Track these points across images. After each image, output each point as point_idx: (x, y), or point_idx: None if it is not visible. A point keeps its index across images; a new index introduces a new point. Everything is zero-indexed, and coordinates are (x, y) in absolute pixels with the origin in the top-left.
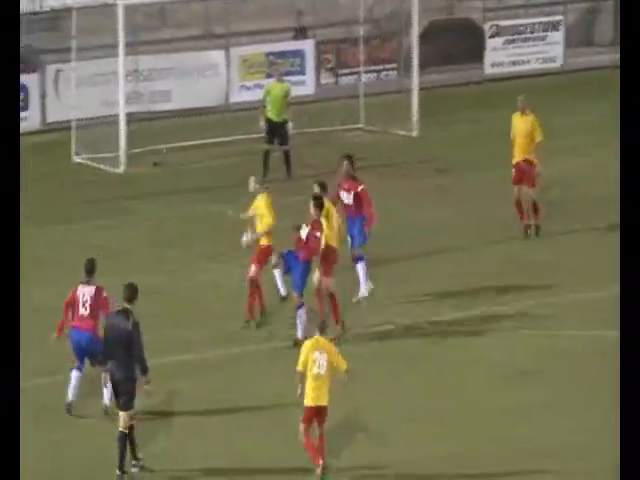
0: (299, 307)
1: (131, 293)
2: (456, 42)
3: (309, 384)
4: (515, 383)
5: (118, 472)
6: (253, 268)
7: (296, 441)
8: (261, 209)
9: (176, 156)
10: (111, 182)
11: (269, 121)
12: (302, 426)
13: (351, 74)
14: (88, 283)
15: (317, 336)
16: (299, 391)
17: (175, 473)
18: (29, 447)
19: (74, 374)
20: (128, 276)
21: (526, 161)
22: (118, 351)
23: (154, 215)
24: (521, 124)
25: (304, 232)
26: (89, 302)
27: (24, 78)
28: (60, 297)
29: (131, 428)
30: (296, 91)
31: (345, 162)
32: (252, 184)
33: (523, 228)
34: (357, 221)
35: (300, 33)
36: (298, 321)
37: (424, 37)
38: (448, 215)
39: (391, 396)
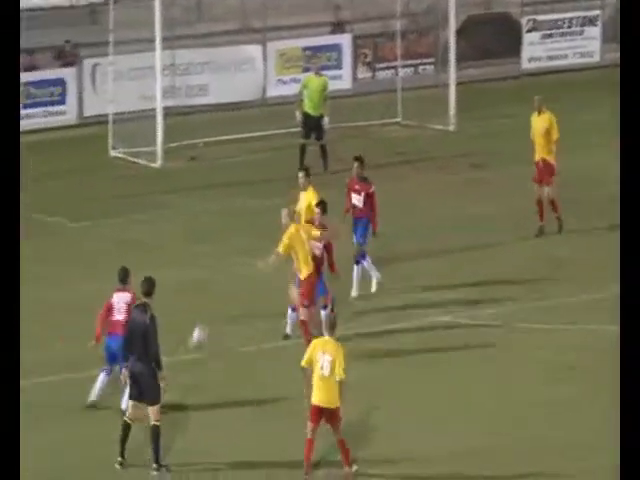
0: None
1: (149, 287)
2: (493, 37)
3: (315, 383)
4: (551, 378)
5: (154, 467)
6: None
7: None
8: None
9: (212, 150)
10: (147, 176)
11: (306, 115)
12: (309, 425)
13: (388, 68)
14: (123, 290)
15: (327, 337)
16: (305, 390)
17: (197, 468)
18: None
19: (102, 377)
20: (162, 270)
21: (544, 160)
22: (137, 345)
23: (190, 209)
24: (539, 123)
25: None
26: (124, 308)
27: (61, 72)
28: (97, 292)
29: (156, 428)
30: (333, 85)
31: (355, 164)
32: (285, 216)
33: (538, 228)
34: (361, 222)
35: (337, 27)
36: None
37: (461, 32)
38: (483, 210)
39: (425, 392)
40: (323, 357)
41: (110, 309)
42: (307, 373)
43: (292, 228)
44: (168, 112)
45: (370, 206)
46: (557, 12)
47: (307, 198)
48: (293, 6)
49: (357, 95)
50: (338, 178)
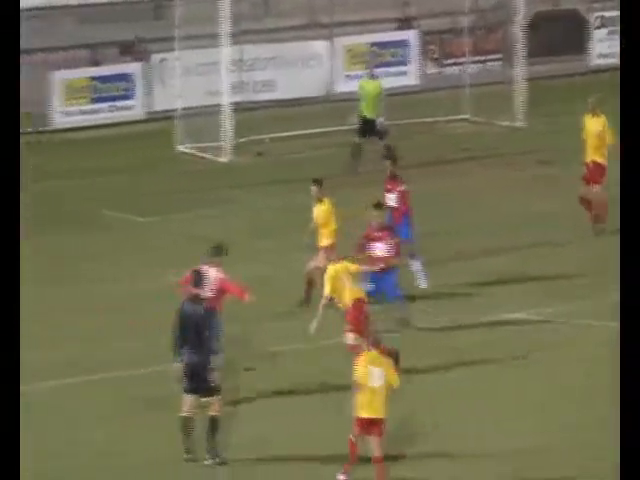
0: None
1: (199, 278)
2: (561, 33)
3: (364, 396)
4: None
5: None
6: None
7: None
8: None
9: (278, 146)
10: (214, 171)
11: (362, 118)
12: (353, 437)
13: (455, 64)
14: (212, 264)
15: (372, 350)
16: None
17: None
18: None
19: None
20: (227, 266)
21: (595, 162)
22: (191, 337)
23: (254, 205)
24: (592, 125)
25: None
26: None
27: (129, 67)
28: (163, 285)
29: (214, 419)
30: (400, 82)
31: (387, 163)
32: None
33: (592, 228)
34: (403, 224)
35: (404, 23)
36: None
37: (529, 28)
38: (550, 207)
39: (489, 390)
40: (375, 370)
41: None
42: (357, 387)
43: (331, 271)
44: (235, 107)
45: (404, 204)
46: None
47: (321, 209)
48: (360, 2)
49: (424, 91)
50: (405, 175)
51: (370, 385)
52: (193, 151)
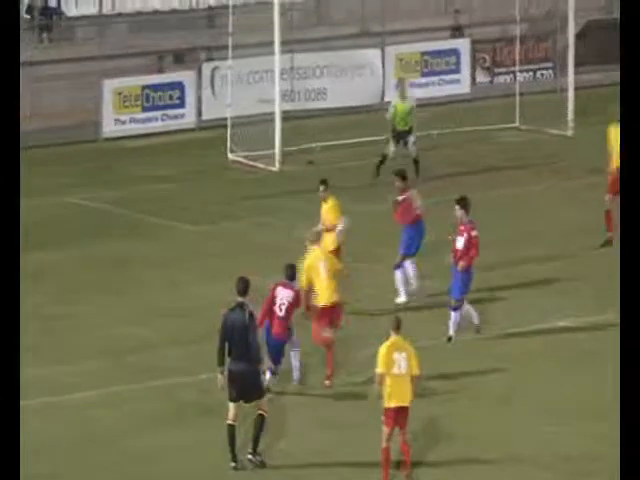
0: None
1: (244, 286)
2: (613, 42)
3: (391, 385)
4: None
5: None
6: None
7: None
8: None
9: (329, 155)
10: (266, 180)
11: (395, 130)
12: (386, 430)
13: (507, 73)
14: (287, 286)
15: (394, 337)
16: (377, 392)
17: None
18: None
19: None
20: (279, 275)
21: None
22: (236, 345)
23: (308, 213)
24: (618, 135)
25: (459, 242)
26: (285, 306)
27: (180, 75)
28: (217, 293)
29: (262, 417)
30: (451, 90)
31: (396, 179)
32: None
33: (606, 239)
34: (405, 230)
35: (456, 32)
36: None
37: (580, 36)
38: (600, 215)
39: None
40: (400, 356)
41: (271, 304)
42: (381, 378)
43: (309, 259)
44: (286, 116)
45: (407, 212)
46: None
47: (327, 208)
48: (411, 10)
49: (475, 100)
50: (455, 182)
51: (396, 372)
52: (244, 159)
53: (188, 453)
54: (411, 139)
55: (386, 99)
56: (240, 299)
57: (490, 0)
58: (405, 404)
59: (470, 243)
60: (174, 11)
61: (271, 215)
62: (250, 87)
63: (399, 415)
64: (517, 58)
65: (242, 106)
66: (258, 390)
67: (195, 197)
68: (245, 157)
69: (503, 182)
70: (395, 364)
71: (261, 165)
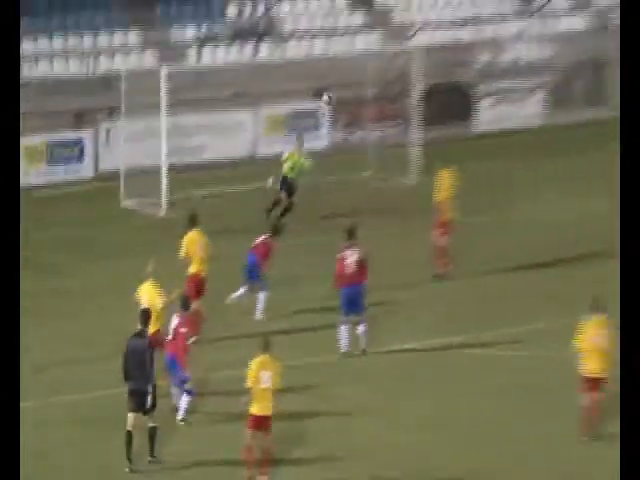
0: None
1: (145, 317)
2: (452, 102)
3: (256, 396)
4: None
5: None
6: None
7: None
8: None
9: (209, 201)
10: (153, 225)
11: (285, 177)
12: (249, 432)
13: (361, 129)
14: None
15: (263, 355)
16: (245, 401)
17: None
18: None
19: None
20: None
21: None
22: (135, 366)
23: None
24: (446, 181)
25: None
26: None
27: (80, 134)
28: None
29: (154, 428)
30: (313, 144)
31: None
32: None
33: (436, 273)
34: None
35: (318, 93)
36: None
37: (425, 98)
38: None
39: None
40: (265, 373)
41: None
42: (248, 390)
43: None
44: (171, 168)
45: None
46: (506, 81)
47: (188, 240)
48: (280, 75)
49: (334, 153)
50: (319, 226)
51: (262, 386)
52: (135, 207)
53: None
54: (295, 186)
55: (257, 153)
56: (140, 328)
57: (347, 65)
58: (268, 413)
59: (360, 265)
60: (75, 77)
61: (153, 255)
62: (140, 143)
63: (261, 422)
64: (370, 117)
65: (133, 160)
66: (150, 404)
67: (91, 239)
68: (136, 204)
69: (354, 224)
70: (260, 380)
71: (149, 211)
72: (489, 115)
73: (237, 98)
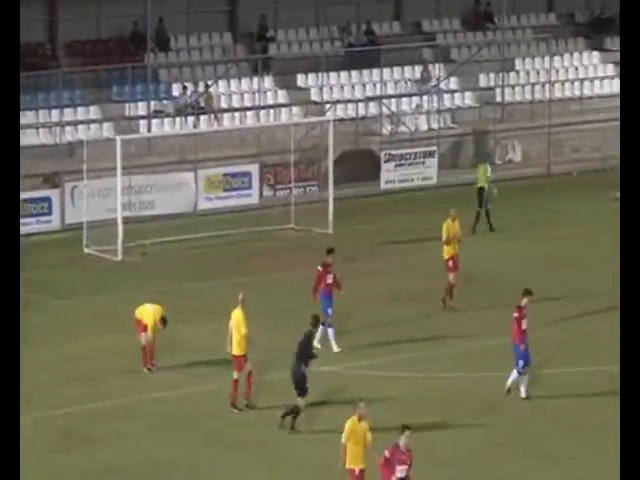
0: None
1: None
2: (360, 166)
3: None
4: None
5: None
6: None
7: None
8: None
9: (158, 248)
10: (111, 267)
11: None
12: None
13: (285, 189)
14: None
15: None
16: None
17: None
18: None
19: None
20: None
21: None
22: None
23: (141, 290)
24: (452, 227)
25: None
26: None
27: (49, 192)
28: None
29: None
30: (245, 201)
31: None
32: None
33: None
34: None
35: (250, 158)
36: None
37: (337, 162)
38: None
39: None
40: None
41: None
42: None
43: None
44: (126, 221)
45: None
46: (405, 148)
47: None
48: (217, 143)
49: (263, 208)
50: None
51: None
52: (96, 252)
53: None
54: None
55: (198, 208)
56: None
57: (273, 135)
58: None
59: (335, 280)
60: (43, 145)
61: (113, 293)
62: (100, 200)
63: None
64: (292, 178)
65: (94, 214)
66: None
67: (59, 280)
68: (96, 250)
69: (281, 267)
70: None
71: (108, 256)
72: (392, 176)
73: (181, 162)
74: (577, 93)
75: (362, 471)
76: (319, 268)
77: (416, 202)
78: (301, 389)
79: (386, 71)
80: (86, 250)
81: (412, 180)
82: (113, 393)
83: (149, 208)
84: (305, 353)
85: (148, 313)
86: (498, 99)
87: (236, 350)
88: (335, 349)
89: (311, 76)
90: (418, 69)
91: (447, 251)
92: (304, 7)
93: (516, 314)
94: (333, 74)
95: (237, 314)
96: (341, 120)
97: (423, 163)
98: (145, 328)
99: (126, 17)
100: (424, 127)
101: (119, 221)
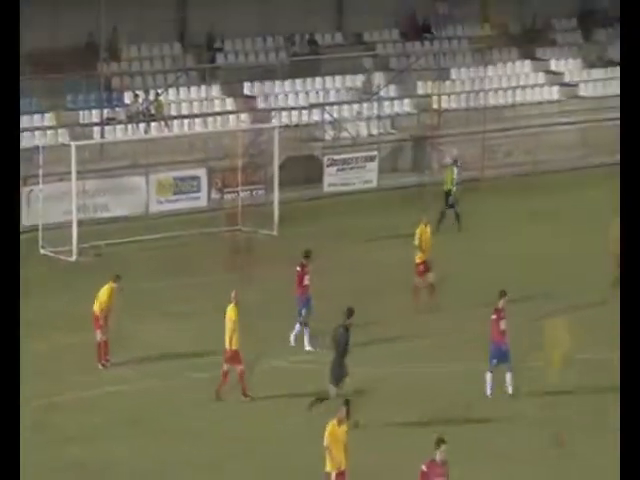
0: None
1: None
2: (304, 170)
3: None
4: None
5: None
6: None
7: None
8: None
9: (111, 249)
10: (66, 267)
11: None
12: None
13: (233, 192)
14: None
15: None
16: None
17: None
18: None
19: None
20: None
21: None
22: None
23: (89, 292)
24: (426, 233)
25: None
26: None
27: None
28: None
29: None
30: (194, 204)
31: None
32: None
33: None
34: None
35: (197, 164)
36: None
37: (282, 167)
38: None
39: None
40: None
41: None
42: None
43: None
44: (81, 223)
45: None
46: (347, 153)
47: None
48: (167, 149)
49: (210, 210)
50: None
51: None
52: (51, 253)
53: None
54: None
55: (149, 210)
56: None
57: (221, 140)
58: None
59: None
60: None
61: (68, 294)
62: (56, 203)
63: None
64: (240, 181)
65: (50, 216)
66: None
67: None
68: (52, 251)
69: (228, 268)
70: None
71: (63, 257)
72: (335, 179)
73: (133, 167)
74: (510, 100)
75: (342, 474)
76: (297, 269)
77: (357, 204)
78: (337, 379)
79: (328, 79)
80: (42, 251)
81: (354, 183)
82: (70, 388)
83: (103, 211)
84: (344, 346)
85: (101, 297)
86: (435, 106)
87: (228, 344)
88: (307, 347)
89: (257, 84)
90: (359, 77)
91: (419, 256)
92: (251, 18)
93: (494, 316)
94: (278, 82)
95: (230, 311)
96: (286, 127)
97: (364, 167)
98: (100, 322)
99: (81, 27)
100: (365, 133)
101: (74, 223)
